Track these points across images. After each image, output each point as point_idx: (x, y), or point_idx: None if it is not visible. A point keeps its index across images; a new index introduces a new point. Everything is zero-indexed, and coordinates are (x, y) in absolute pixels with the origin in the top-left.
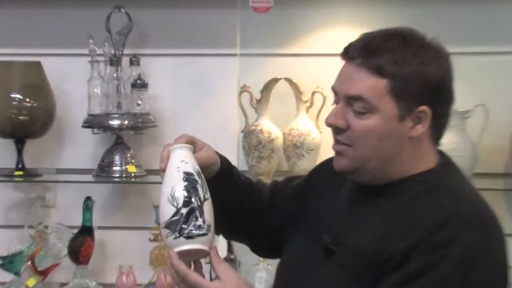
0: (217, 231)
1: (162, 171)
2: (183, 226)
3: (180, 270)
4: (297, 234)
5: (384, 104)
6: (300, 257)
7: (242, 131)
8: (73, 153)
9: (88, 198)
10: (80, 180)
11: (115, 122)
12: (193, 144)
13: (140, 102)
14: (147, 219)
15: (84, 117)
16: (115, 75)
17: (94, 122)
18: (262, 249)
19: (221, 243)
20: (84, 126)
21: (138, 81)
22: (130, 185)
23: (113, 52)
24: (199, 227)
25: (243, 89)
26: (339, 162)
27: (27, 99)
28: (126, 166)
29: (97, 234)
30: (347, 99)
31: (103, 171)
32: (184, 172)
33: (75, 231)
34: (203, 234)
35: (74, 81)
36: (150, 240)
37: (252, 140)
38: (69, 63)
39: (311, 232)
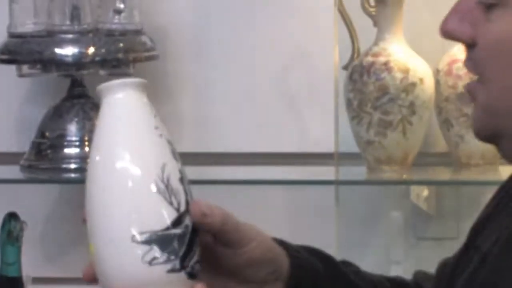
0: None
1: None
2: (188, 251)
3: None
4: None
5: None
6: None
7: (345, 67)
8: None
9: (12, 217)
10: None
11: (67, 50)
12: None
13: (122, 5)
14: None
15: (1, 41)
16: None
17: (21, 51)
18: None
19: None
20: (1, 61)
21: None
22: None
23: None
24: (199, 261)
25: None
26: (472, 116)
27: None
28: None
29: None
30: None
31: (41, 157)
32: (169, 142)
33: None
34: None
35: None
36: None
37: (367, 86)
38: None
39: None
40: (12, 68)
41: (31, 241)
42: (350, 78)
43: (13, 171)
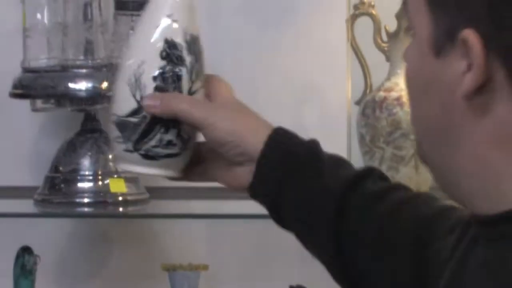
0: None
1: None
2: (141, 138)
3: None
4: None
5: (419, 18)
6: None
7: (357, 102)
8: None
9: (26, 251)
10: (6, 212)
11: (81, 85)
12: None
13: None
14: None
15: (15, 76)
16: None
17: (35, 86)
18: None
19: None
20: (14, 95)
21: None
22: (114, 223)
23: None
24: (169, 143)
25: (359, 11)
26: None
27: None
28: (106, 181)
29: None
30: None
31: (55, 191)
32: (167, 41)
33: None
34: (171, 155)
35: None
36: None
37: (379, 121)
38: None
39: None
40: (26, 102)
41: (44, 275)
42: (363, 113)
43: (27, 205)
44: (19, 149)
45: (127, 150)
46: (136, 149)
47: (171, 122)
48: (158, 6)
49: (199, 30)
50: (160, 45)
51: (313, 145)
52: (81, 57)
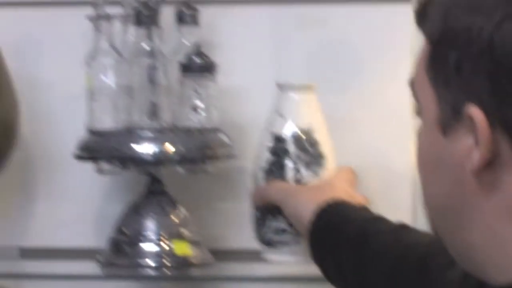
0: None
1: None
2: (259, 228)
3: None
4: None
5: (425, 98)
6: None
7: None
8: (54, 216)
9: None
10: (70, 274)
11: (146, 148)
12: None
13: (201, 104)
14: None
15: (80, 138)
16: (145, 45)
17: (100, 149)
18: None
19: None
20: (78, 157)
21: (197, 60)
22: (179, 286)
23: None
24: (282, 231)
25: None
26: None
27: None
28: (171, 245)
29: None
30: None
31: (119, 253)
32: (273, 136)
33: None
34: (288, 242)
35: (57, 61)
36: None
37: None
38: (46, 23)
39: None
40: (91, 164)
41: None
42: None
43: (91, 267)
44: (83, 210)
45: (256, 240)
46: (259, 238)
47: (276, 210)
48: (274, 103)
49: (321, 120)
50: (268, 139)
51: (360, 211)
52: (146, 120)
